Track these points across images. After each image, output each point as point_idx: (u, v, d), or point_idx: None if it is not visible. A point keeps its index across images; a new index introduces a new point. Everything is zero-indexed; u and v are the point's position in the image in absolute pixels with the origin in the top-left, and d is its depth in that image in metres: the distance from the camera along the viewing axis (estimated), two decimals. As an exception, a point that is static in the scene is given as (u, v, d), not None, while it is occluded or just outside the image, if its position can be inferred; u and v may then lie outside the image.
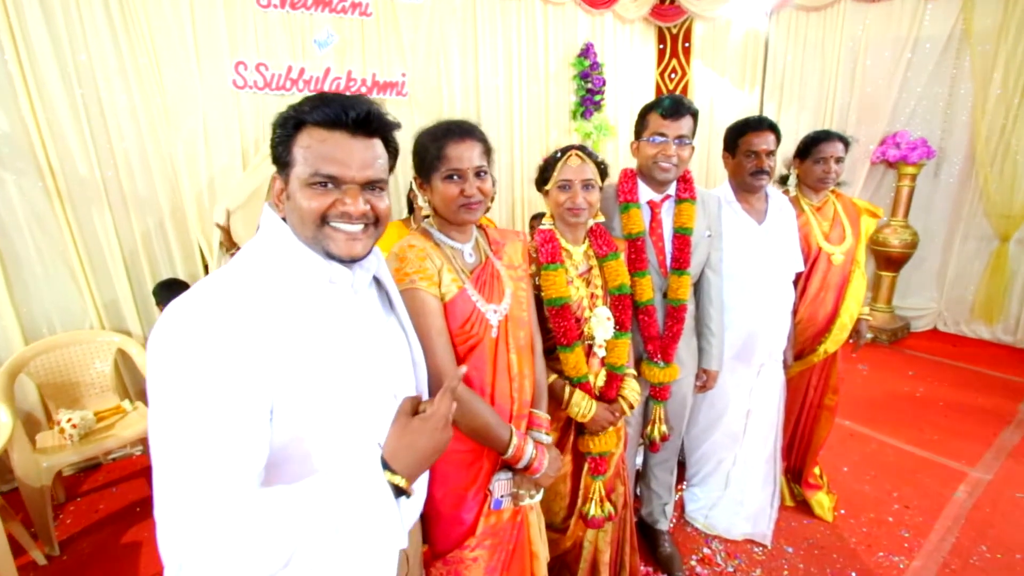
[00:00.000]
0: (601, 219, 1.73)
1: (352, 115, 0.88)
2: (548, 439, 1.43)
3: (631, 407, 1.73)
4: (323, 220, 0.89)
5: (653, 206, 1.89)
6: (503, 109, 4.26)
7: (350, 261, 0.93)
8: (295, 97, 3.51)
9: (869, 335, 4.51)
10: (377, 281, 1.07)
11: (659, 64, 5.03)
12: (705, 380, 2.08)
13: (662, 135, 1.76)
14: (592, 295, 1.67)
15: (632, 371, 1.79)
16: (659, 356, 1.88)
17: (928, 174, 4.61)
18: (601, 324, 1.64)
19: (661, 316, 1.90)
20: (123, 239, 3.04)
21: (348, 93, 3.50)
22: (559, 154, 1.61)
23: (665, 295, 1.89)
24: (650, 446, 2.04)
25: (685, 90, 5.03)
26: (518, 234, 1.52)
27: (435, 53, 3.84)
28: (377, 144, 0.92)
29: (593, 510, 1.71)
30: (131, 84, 2.90)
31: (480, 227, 1.49)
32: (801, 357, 2.39)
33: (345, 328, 0.92)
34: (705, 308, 2.02)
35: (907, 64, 4.40)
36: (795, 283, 2.29)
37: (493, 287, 1.35)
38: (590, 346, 1.67)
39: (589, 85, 4.54)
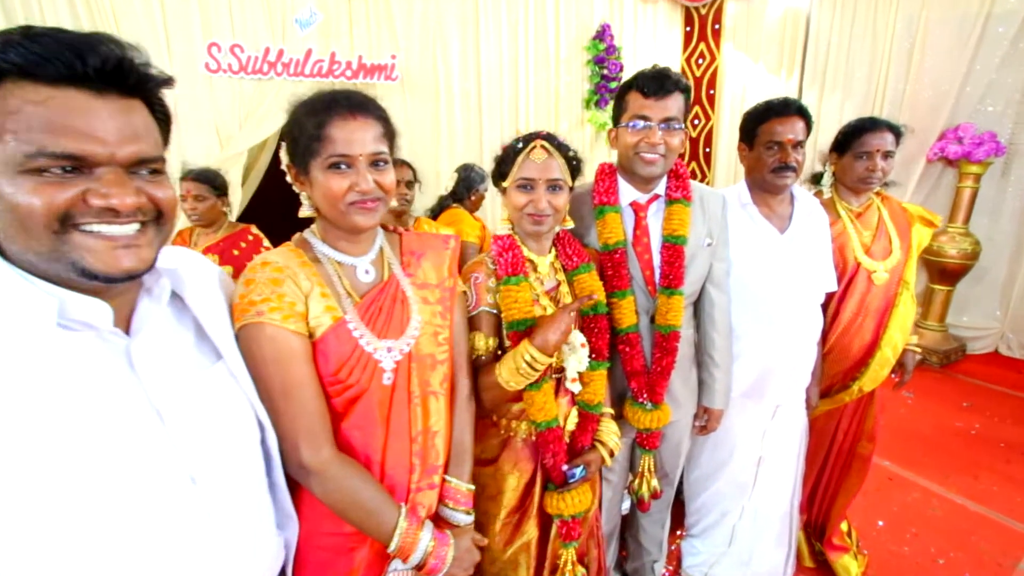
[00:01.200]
0: (569, 225, 1.38)
1: (93, 64, 0.58)
2: (466, 519, 1.10)
3: (611, 454, 1.38)
4: (65, 222, 0.59)
5: (637, 209, 1.51)
6: (507, 96, 3.91)
7: (120, 279, 0.63)
8: (273, 82, 3.29)
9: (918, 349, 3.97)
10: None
11: (685, 48, 4.57)
12: (707, 420, 1.70)
13: (644, 118, 1.39)
14: None
15: (609, 410, 1.44)
16: (646, 396, 1.51)
17: (994, 174, 4.00)
18: (574, 352, 1.29)
19: (648, 346, 1.54)
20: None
21: (331, 78, 3.28)
22: (520, 144, 1.26)
23: (653, 320, 1.51)
24: (638, 504, 1.68)
25: (714, 77, 4.56)
26: (445, 240, 1.18)
27: (431, 34, 3.53)
28: (138, 107, 0.64)
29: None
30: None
31: (394, 232, 1.16)
32: (829, 395, 1.97)
33: (87, 390, 0.62)
34: (707, 333, 1.63)
35: (975, 46, 3.80)
36: (825, 306, 1.87)
37: (392, 316, 1.02)
38: (559, 380, 1.33)
39: (604, 71, 4.14)
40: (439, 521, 1.07)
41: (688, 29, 4.53)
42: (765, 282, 1.69)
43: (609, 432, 1.39)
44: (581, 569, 1.39)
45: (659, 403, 1.52)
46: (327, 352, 0.93)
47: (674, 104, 1.40)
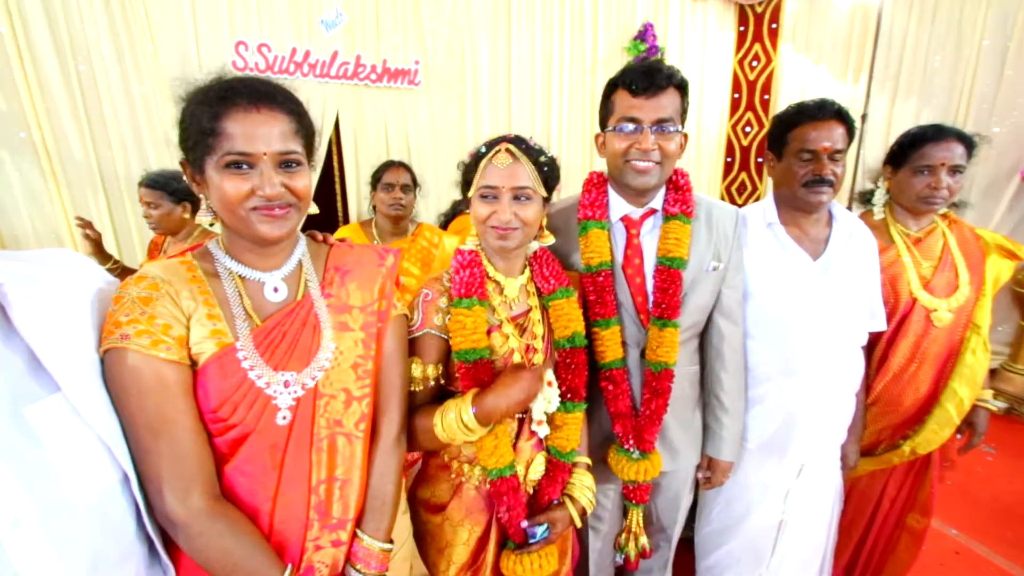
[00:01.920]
0: (548, 241, 1.19)
1: None
2: None
3: (583, 513, 1.18)
4: None
5: (629, 225, 1.30)
6: (539, 101, 3.74)
7: None
8: (299, 82, 3.29)
9: (999, 404, 3.42)
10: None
11: (737, 50, 4.22)
12: (711, 473, 1.45)
13: (633, 120, 1.18)
14: (530, 348, 1.14)
15: (585, 459, 1.23)
16: (632, 442, 1.29)
17: (1108, 195, 3.40)
18: (545, 389, 1.11)
19: (637, 384, 1.31)
20: (116, 221, 2.94)
21: (356, 80, 3.23)
22: (484, 148, 1.10)
23: (643, 354, 1.29)
24: (624, 563, 1.45)
25: (769, 81, 4.18)
26: (381, 256, 1.02)
27: (459, 36, 3.41)
28: None
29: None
30: (127, 64, 2.77)
31: (324, 243, 1.02)
32: (873, 454, 1.65)
33: None
34: (714, 371, 1.39)
35: (1088, 45, 3.25)
36: (870, 348, 1.56)
37: (297, 343, 0.87)
38: (523, 420, 1.14)
39: (646, 73, 3.87)
40: None
41: (742, 29, 4.17)
42: (792, 316, 1.42)
43: (583, 486, 1.19)
44: None
45: (648, 451, 1.30)
46: (207, 385, 0.79)
47: (668, 102, 1.18)
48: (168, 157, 2.92)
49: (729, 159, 4.44)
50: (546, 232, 1.19)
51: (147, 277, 0.80)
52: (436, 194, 3.49)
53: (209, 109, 0.78)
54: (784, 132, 1.42)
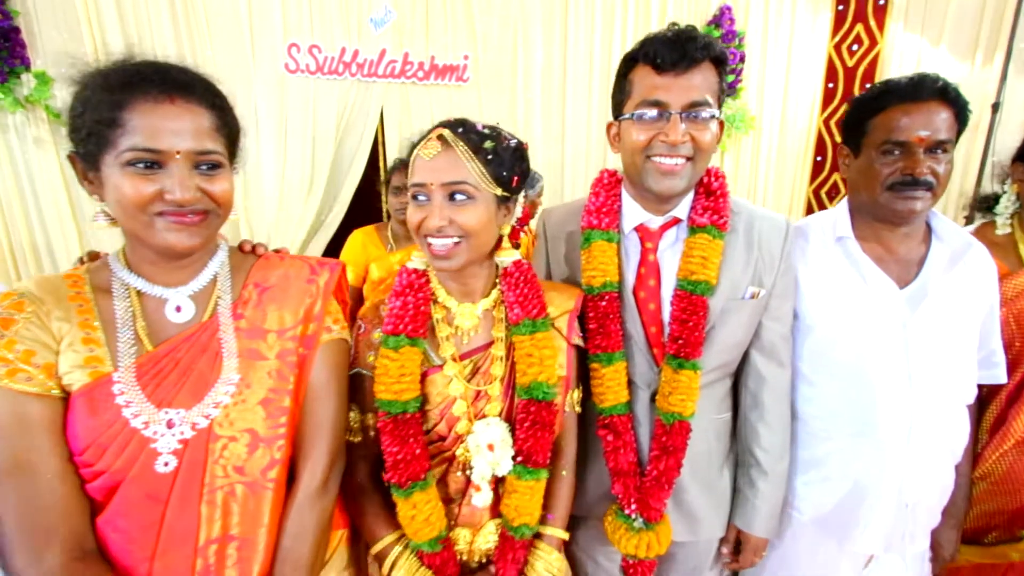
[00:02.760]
0: (510, 256, 0.96)
1: None
2: None
3: None
4: None
5: (646, 237, 1.05)
6: (597, 96, 3.46)
7: None
8: (347, 83, 3.28)
9: None
10: None
11: (835, 32, 3.67)
12: (741, 550, 1.15)
13: (658, 105, 0.93)
14: (481, 394, 0.93)
15: (557, 532, 1.00)
16: (634, 507, 1.04)
17: None
18: (480, 452, 0.90)
19: (646, 434, 1.06)
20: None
21: (403, 79, 3.17)
22: (417, 137, 0.91)
23: (654, 397, 1.04)
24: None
25: (873, 67, 3.59)
26: (313, 271, 0.87)
27: (511, 29, 3.23)
28: None
29: None
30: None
31: (252, 254, 0.88)
32: (981, 542, 1.26)
33: None
34: (750, 422, 1.10)
35: None
36: (982, 404, 1.18)
37: (189, 373, 0.74)
38: (469, 478, 0.94)
39: (720, 63, 3.46)
40: None
41: (840, 8, 3.61)
42: (867, 360, 1.09)
43: (544, 570, 0.95)
44: None
45: (654, 521, 1.03)
46: (75, 422, 0.68)
47: (703, 80, 0.93)
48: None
49: (819, 158, 3.88)
50: (507, 244, 0.94)
51: (13, 294, 0.70)
52: (483, 195, 3.35)
53: (111, 96, 0.68)
54: (864, 118, 1.09)
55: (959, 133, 1.08)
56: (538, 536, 0.98)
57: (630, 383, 1.06)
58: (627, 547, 1.05)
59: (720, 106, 0.98)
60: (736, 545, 1.15)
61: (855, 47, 3.64)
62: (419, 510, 0.88)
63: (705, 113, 0.93)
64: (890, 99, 1.06)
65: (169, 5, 2.80)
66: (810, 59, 3.72)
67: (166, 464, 0.71)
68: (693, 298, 0.97)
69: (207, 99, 0.74)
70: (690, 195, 1.04)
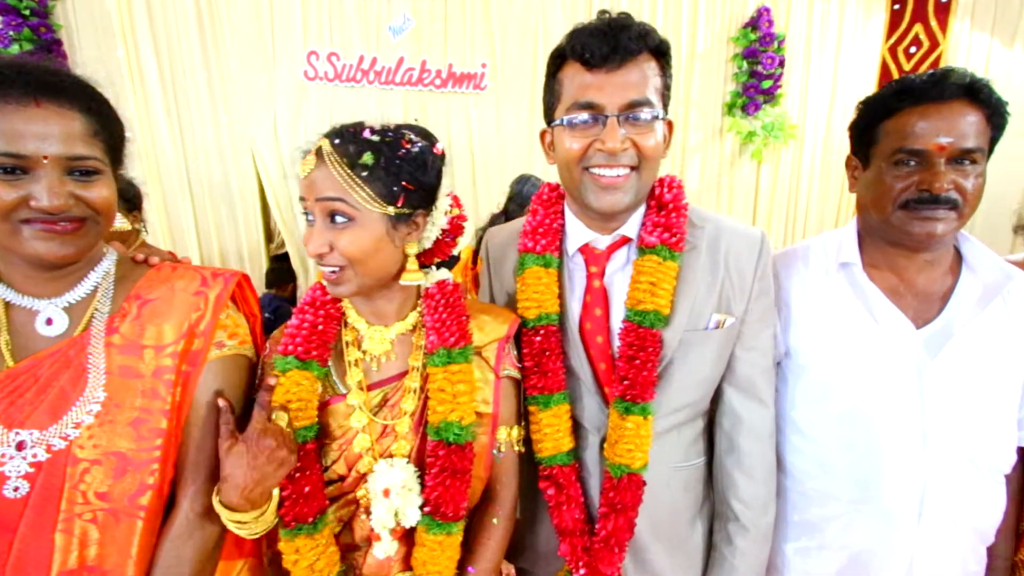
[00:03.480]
0: (416, 278, 0.82)
1: None
2: None
3: None
4: None
5: (591, 260, 0.91)
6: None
7: None
8: (365, 90, 3.28)
9: None
10: None
11: (889, 34, 3.36)
12: None
13: (591, 107, 0.79)
14: (387, 430, 0.83)
15: None
16: (583, 572, 0.90)
17: None
18: (395, 496, 0.79)
19: (596, 489, 0.92)
20: (199, 222, 3.15)
21: (420, 87, 3.13)
22: (299, 154, 0.80)
23: (603, 445, 0.90)
24: None
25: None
26: (207, 281, 0.79)
27: (530, 35, 3.15)
28: None
29: None
30: (212, 76, 2.97)
31: (144, 264, 0.82)
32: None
33: None
34: (724, 468, 0.94)
35: None
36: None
37: (48, 391, 0.68)
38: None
39: (757, 66, 3.24)
40: None
41: (896, 7, 3.30)
42: (870, 413, 0.91)
43: None
44: None
45: None
46: None
47: (641, 76, 0.79)
48: (248, 165, 3.09)
49: (869, 170, 3.56)
50: (412, 266, 0.80)
51: None
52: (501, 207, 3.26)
53: None
54: (874, 123, 0.92)
55: (994, 140, 0.88)
56: None
57: (577, 427, 0.92)
58: (569, 618, 0.90)
59: (666, 105, 0.83)
60: None
61: (913, 49, 3.32)
62: (302, 555, 0.78)
63: (646, 114, 0.79)
64: (904, 99, 0.88)
65: (197, 18, 2.89)
66: (861, 63, 3.42)
67: (16, 489, 0.65)
68: (641, 331, 0.83)
69: (80, 102, 0.69)
70: (641, 209, 0.90)
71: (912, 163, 0.87)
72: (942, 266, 0.93)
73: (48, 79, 0.67)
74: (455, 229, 0.87)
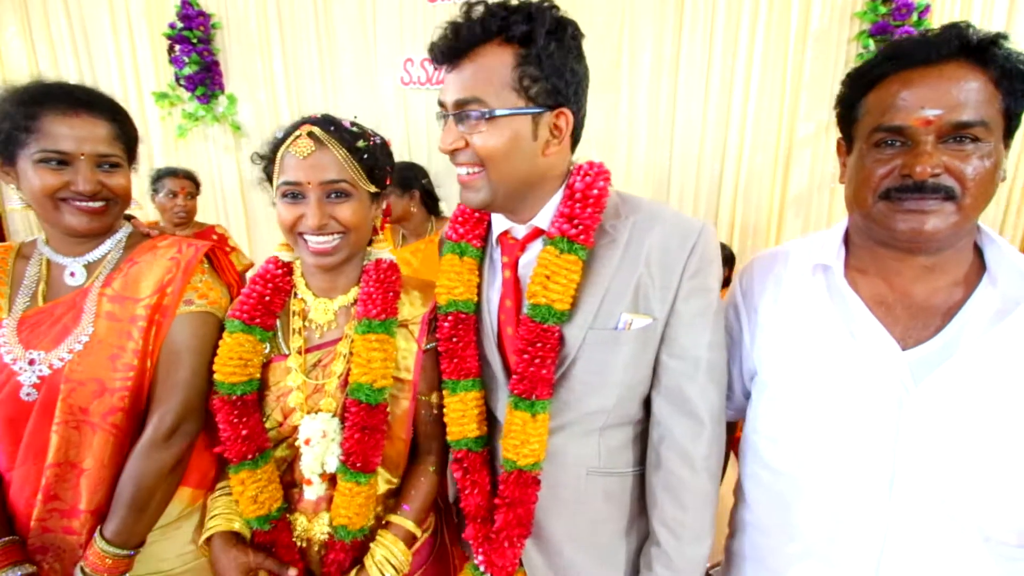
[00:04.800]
0: (384, 248, 0.94)
1: None
2: None
3: None
4: None
5: (505, 250, 0.89)
6: (715, 94, 3.05)
7: None
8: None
9: None
10: None
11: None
12: None
13: (440, 106, 0.82)
14: (318, 390, 0.92)
15: (408, 524, 0.94)
16: (481, 558, 0.90)
17: None
18: (315, 443, 0.89)
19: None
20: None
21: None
22: (280, 134, 0.91)
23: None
24: None
25: None
26: (181, 248, 0.97)
27: (616, 26, 3.04)
28: None
29: None
30: (327, 84, 3.38)
31: (147, 235, 1.00)
32: None
33: None
34: (651, 486, 0.87)
35: None
36: None
37: (56, 325, 0.89)
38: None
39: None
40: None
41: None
42: (832, 447, 0.76)
43: (384, 558, 0.90)
44: None
45: None
46: None
47: (476, 71, 0.77)
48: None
49: (1052, 167, 2.80)
50: (381, 237, 0.93)
51: None
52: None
53: (25, 108, 0.87)
54: (857, 98, 0.76)
55: (1012, 111, 0.67)
56: (388, 525, 0.93)
57: (491, 417, 0.91)
58: (475, 606, 0.90)
59: (533, 96, 0.77)
60: None
61: None
62: (246, 487, 0.90)
63: (473, 112, 0.75)
64: (889, 65, 0.72)
65: (316, 33, 3.32)
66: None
67: (28, 395, 0.87)
68: (533, 325, 0.79)
69: (107, 113, 0.92)
70: (557, 199, 0.85)
71: (896, 143, 0.71)
72: (950, 274, 0.74)
73: (84, 96, 0.90)
74: (388, 210, 0.96)
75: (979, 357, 0.69)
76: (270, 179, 0.93)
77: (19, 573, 0.85)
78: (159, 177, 2.50)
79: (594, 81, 3.27)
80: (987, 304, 0.71)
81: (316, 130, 0.86)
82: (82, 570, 0.88)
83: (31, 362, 0.87)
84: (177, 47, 3.29)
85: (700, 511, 0.83)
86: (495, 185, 0.80)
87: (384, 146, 0.94)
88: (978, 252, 0.75)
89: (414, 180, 2.18)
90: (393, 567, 0.90)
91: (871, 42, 2.81)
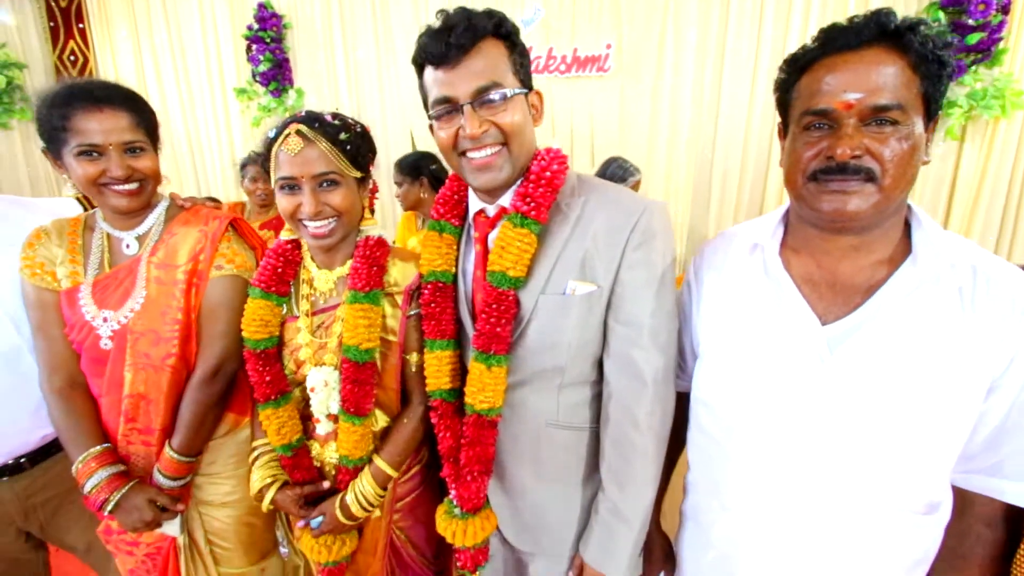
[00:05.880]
0: (373, 225, 1.08)
1: None
2: (166, 483, 1.12)
3: (349, 518, 1.07)
4: None
5: (477, 227, 1.01)
6: (761, 83, 2.95)
7: None
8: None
9: None
10: None
11: None
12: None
13: (446, 102, 0.89)
14: (322, 347, 1.09)
15: (385, 467, 1.08)
16: (453, 492, 1.04)
17: None
18: (319, 391, 1.07)
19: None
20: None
21: (547, 73, 3.29)
22: (272, 133, 1.04)
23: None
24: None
25: None
26: (205, 221, 1.16)
27: (660, 9, 3.01)
28: None
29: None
30: (383, 74, 3.61)
31: (182, 209, 1.20)
32: None
33: None
34: (601, 440, 0.96)
35: None
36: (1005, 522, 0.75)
37: (120, 288, 1.11)
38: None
39: (963, 16, 2.53)
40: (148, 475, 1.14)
41: None
42: (755, 417, 0.83)
43: (358, 491, 1.06)
44: None
45: (468, 511, 1.02)
46: (64, 309, 1.11)
47: (485, 62, 0.85)
48: (407, 147, 3.70)
49: None
50: (368, 216, 1.08)
51: (38, 229, 1.15)
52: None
53: (59, 110, 1.04)
54: (792, 82, 0.80)
55: (933, 94, 0.69)
56: (371, 462, 1.09)
57: (466, 372, 1.04)
58: (444, 531, 1.04)
59: (523, 79, 0.88)
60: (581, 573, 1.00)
61: None
62: (271, 422, 1.09)
63: (495, 95, 0.85)
64: (818, 50, 0.75)
65: (374, 35, 3.55)
66: None
67: (106, 344, 1.10)
68: (492, 290, 0.91)
69: (127, 104, 1.07)
70: (519, 180, 0.95)
71: (823, 126, 0.74)
72: (876, 254, 0.77)
73: (104, 93, 1.05)
74: (375, 189, 1.10)
75: (887, 331, 0.72)
76: (268, 173, 1.07)
77: (114, 470, 1.09)
78: (245, 164, 2.59)
79: (638, 59, 3.35)
80: (907, 283, 0.73)
81: (303, 128, 0.98)
82: (159, 471, 1.12)
83: (104, 320, 1.10)
84: (253, 47, 3.65)
85: (642, 464, 0.91)
86: (515, 160, 0.91)
87: (365, 133, 1.05)
88: (909, 233, 0.77)
89: (422, 168, 2.36)
90: (366, 498, 1.06)
91: (941, 15, 2.59)
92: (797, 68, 0.78)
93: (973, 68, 2.59)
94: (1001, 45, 2.54)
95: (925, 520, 0.74)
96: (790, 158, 0.79)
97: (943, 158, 2.80)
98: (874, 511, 0.74)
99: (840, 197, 0.72)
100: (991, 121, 2.63)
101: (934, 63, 0.68)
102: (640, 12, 3.06)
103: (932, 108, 0.71)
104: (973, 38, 2.50)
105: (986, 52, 2.55)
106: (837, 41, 0.72)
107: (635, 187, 2.41)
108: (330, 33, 3.63)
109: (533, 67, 3.27)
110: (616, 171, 2.36)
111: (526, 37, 3.16)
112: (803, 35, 2.85)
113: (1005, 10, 2.48)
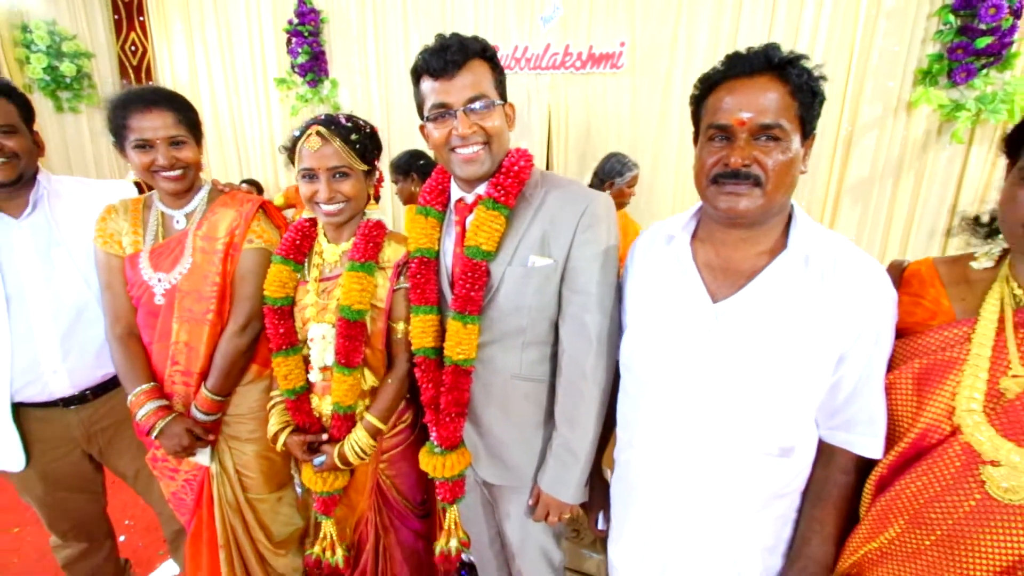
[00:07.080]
0: (374, 212, 1.31)
1: None
2: (202, 417, 1.39)
3: (345, 463, 1.31)
4: None
5: (458, 211, 1.22)
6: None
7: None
8: (518, 76, 3.71)
9: None
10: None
11: None
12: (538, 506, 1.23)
13: (442, 107, 1.09)
14: (324, 308, 1.33)
15: (374, 421, 1.32)
16: (434, 434, 1.27)
17: None
18: (316, 344, 1.31)
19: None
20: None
21: (563, 70, 3.44)
22: (297, 132, 1.28)
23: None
24: (440, 560, 1.40)
25: None
26: (241, 203, 1.41)
27: (674, 5, 3.10)
28: None
29: (320, 552, 1.45)
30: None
31: (221, 192, 1.46)
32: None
33: None
34: (556, 391, 1.18)
35: None
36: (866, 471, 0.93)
37: (171, 255, 1.37)
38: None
39: (973, 19, 2.55)
40: (187, 410, 1.40)
41: None
42: (660, 381, 1.00)
43: (352, 440, 1.30)
44: (340, 550, 1.42)
45: (447, 448, 1.25)
46: (127, 272, 1.39)
47: (474, 77, 1.06)
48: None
49: None
50: (374, 202, 1.30)
51: (108, 207, 1.42)
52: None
53: (120, 111, 1.30)
54: (703, 98, 0.97)
55: (807, 117, 0.85)
56: (363, 418, 1.32)
57: (442, 334, 1.26)
58: (427, 466, 1.28)
59: (501, 93, 1.09)
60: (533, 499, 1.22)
61: None
62: (280, 368, 1.33)
63: (482, 104, 1.05)
64: (722, 74, 0.91)
65: (403, 23, 3.76)
66: None
67: (159, 300, 1.37)
68: (467, 261, 1.12)
69: (172, 104, 1.31)
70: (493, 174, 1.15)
71: (723, 139, 0.91)
72: (760, 245, 0.94)
73: (153, 96, 1.31)
74: (381, 178, 1.34)
75: (760, 308, 0.90)
76: (292, 162, 1.30)
77: (160, 403, 1.36)
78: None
79: (650, 57, 3.47)
80: (780, 270, 0.90)
81: (322, 129, 1.22)
82: (195, 406, 1.39)
83: (159, 280, 1.37)
84: (293, 40, 3.93)
85: (588, 408, 1.12)
86: (494, 156, 1.12)
87: (373, 134, 1.29)
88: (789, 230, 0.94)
89: (411, 165, 2.56)
90: (361, 447, 1.29)
91: (953, 18, 2.61)
92: (707, 87, 0.95)
93: (984, 72, 2.61)
94: (1013, 49, 2.55)
95: (780, 462, 0.92)
96: (697, 163, 0.96)
97: (950, 160, 2.82)
98: (738, 451, 0.93)
99: (733, 198, 0.89)
100: (998, 126, 2.64)
101: (808, 92, 0.85)
102: (654, 12, 3.16)
103: (807, 128, 0.87)
104: (982, 42, 2.52)
105: (997, 56, 2.56)
106: (736, 68, 0.89)
107: (633, 181, 2.55)
108: (363, 28, 3.86)
109: (551, 63, 3.39)
110: (615, 165, 2.51)
111: (545, 34, 3.32)
112: (814, 34, 2.90)
113: (1017, 14, 2.48)
